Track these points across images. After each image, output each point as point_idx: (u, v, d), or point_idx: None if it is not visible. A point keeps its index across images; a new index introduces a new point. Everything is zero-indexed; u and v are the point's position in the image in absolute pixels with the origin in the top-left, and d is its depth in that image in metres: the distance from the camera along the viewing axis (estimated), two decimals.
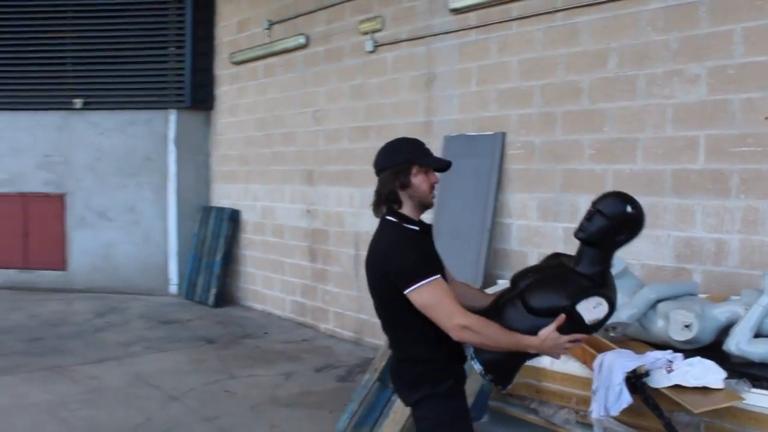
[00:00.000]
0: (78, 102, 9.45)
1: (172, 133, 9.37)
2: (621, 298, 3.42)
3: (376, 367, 4.39)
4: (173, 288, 9.43)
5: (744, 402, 2.91)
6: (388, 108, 6.61)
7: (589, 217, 2.45)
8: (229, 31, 9.06)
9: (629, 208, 2.42)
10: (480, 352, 2.42)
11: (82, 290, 9.45)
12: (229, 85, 9.13)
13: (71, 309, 8.52)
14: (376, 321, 2.61)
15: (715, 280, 4.19)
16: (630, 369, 3.02)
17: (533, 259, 5.19)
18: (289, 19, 7.82)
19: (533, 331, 2.33)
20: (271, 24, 8.11)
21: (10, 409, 5.04)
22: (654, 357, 3.08)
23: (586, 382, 3.29)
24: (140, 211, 9.50)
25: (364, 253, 2.60)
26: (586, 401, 3.27)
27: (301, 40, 7.59)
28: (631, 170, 4.65)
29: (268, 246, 8.43)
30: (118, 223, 9.54)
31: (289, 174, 7.99)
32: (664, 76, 4.46)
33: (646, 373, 3.03)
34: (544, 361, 3.51)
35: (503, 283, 4.43)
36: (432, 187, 2.50)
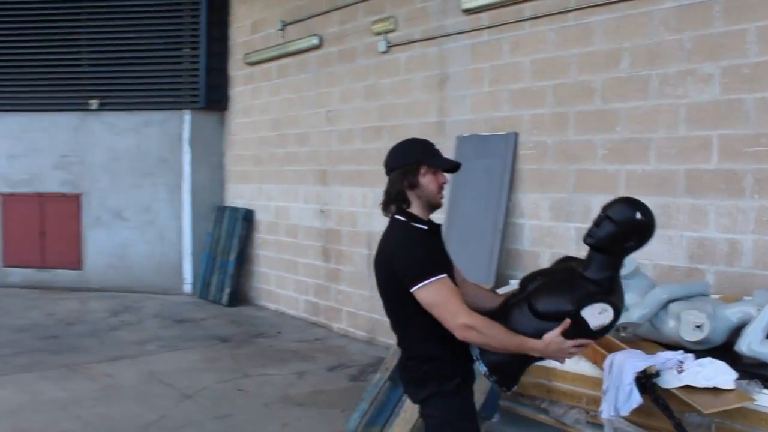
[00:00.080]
0: (94, 103, 9.56)
1: (186, 133, 9.45)
2: (632, 298, 3.44)
3: (387, 366, 4.39)
4: (187, 287, 9.50)
5: (755, 403, 2.89)
6: (400, 108, 6.62)
7: (598, 222, 2.44)
8: (244, 32, 9.12)
9: (638, 215, 2.40)
10: (485, 354, 2.43)
11: (97, 289, 9.55)
12: (243, 85, 9.19)
13: (87, 308, 8.62)
14: (389, 321, 2.62)
15: (728, 281, 4.17)
16: (640, 369, 3.00)
17: (545, 260, 5.18)
18: (303, 20, 7.86)
19: (538, 335, 2.33)
20: (285, 25, 8.15)
21: (27, 406, 5.12)
22: (665, 357, 3.07)
23: (597, 382, 3.27)
24: (155, 211, 9.58)
25: None
26: (597, 401, 3.26)
27: (315, 40, 7.62)
28: (643, 170, 4.63)
29: (282, 246, 8.47)
30: (134, 222, 9.63)
31: (302, 174, 8.03)
32: (678, 76, 4.44)
33: (657, 374, 3.01)
34: (554, 362, 3.50)
35: (515, 284, 4.42)
36: (440, 188, 2.51)
